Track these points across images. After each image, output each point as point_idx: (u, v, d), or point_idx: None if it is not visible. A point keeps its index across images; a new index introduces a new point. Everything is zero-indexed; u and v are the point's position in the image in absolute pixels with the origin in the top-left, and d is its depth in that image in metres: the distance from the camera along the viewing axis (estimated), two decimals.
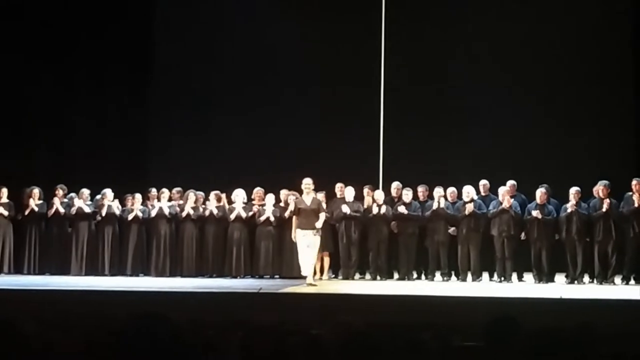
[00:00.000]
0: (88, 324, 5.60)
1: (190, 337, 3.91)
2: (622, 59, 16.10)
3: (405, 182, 14.63)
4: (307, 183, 13.25)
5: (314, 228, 12.99)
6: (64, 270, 14.55)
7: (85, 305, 9.67)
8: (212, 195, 14.72)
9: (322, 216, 13.16)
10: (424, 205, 14.28)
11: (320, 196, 13.81)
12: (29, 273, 14.52)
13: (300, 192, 13.68)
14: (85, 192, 14.88)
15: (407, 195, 14.33)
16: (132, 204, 14.84)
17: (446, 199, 14.18)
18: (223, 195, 14.77)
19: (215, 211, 14.57)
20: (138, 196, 14.89)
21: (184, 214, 14.64)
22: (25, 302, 10.42)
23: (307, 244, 13.01)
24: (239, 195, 14.62)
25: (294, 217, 13.26)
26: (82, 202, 14.75)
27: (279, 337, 3.72)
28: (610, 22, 16.21)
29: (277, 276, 14.32)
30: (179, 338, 2.85)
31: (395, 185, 14.67)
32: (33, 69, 16.26)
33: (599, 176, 13.74)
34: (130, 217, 14.74)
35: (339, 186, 14.56)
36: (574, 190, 13.56)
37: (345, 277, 14.13)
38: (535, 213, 13.57)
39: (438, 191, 14.23)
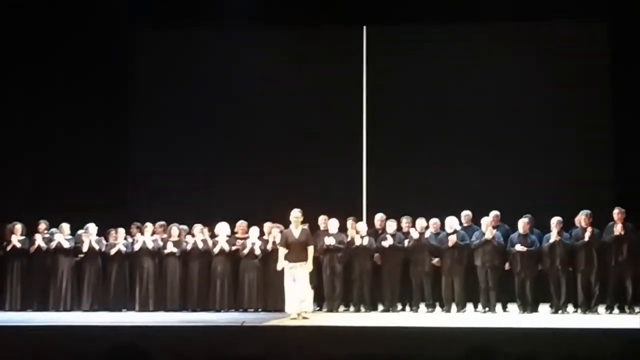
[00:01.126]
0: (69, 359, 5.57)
1: None
2: (602, 89, 16.21)
3: (389, 213, 14.66)
4: (296, 215, 13.11)
5: (302, 260, 12.92)
6: (47, 307, 14.45)
7: (67, 341, 9.59)
8: (197, 228, 14.69)
9: (311, 250, 13.12)
10: (407, 237, 14.31)
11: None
12: (10, 310, 14.41)
13: (284, 224, 13.68)
14: (66, 226, 14.81)
15: (391, 226, 14.36)
16: (115, 239, 14.79)
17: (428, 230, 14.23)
18: (205, 229, 14.75)
19: (199, 244, 14.54)
20: (121, 230, 14.85)
21: (167, 249, 14.60)
22: (6, 338, 10.32)
23: (294, 278, 12.95)
24: (222, 228, 14.60)
25: (281, 249, 13.19)
26: (62, 237, 14.69)
27: None
28: (588, 55, 16.34)
29: (261, 310, 14.27)
30: None
31: (378, 217, 14.70)
32: (11, 103, 16.28)
33: (581, 206, 13.82)
34: (112, 251, 14.68)
35: (322, 218, 14.57)
36: (555, 221, 13.62)
37: (330, 310, 14.10)
38: (519, 247, 13.62)
39: (420, 222, 14.26)
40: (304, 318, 12.71)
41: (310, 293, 13.29)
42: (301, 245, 12.98)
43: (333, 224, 14.38)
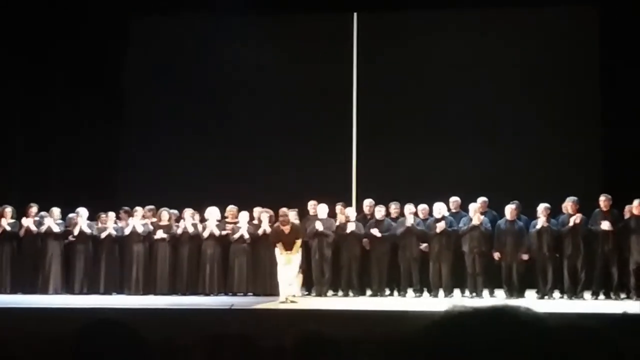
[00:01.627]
0: (57, 341, 5.62)
1: (159, 352, 3.93)
2: (592, 76, 16.29)
3: (378, 199, 14.74)
4: (283, 214, 13.50)
5: (294, 252, 13.24)
6: (37, 289, 14.50)
7: (56, 323, 9.64)
8: (188, 212, 14.76)
9: (299, 242, 13.41)
10: (396, 222, 14.40)
11: (293, 214, 13.92)
12: (1, 292, 14.47)
13: (274, 209, 13.86)
14: (56, 210, 14.86)
15: (380, 212, 14.45)
16: (105, 223, 14.85)
17: (417, 215, 14.31)
18: (196, 214, 14.83)
19: (190, 229, 14.61)
20: (111, 214, 14.91)
21: (156, 233, 14.66)
22: None
23: (285, 262, 13.18)
24: (212, 213, 14.68)
25: (278, 245, 13.41)
26: (52, 220, 14.73)
27: (246, 343, 3.78)
28: (578, 41, 16.42)
29: (250, 294, 14.37)
30: (138, 342, 2.87)
31: (367, 202, 14.79)
32: (4, 87, 16.29)
33: (568, 192, 13.92)
34: (103, 235, 14.74)
35: (311, 204, 14.65)
36: (542, 207, 13.71)
37: (318, 294, 14.20)
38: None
39: (409, 208, 14.34)
40: (292, 302, 12.83)
41: (298, 277, 13.47)
42: (291, 240, 13.31)
43: (322, 209, 14.47)
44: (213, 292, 14.40)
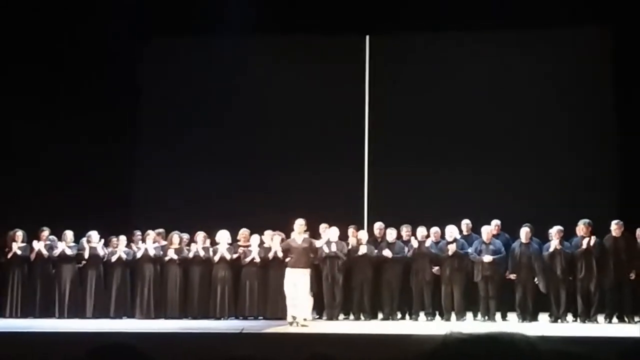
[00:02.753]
0: None
1: None
2: (605, 97, 16.22)
3: (390, 222, 14.68)
4: (300, 223, 13.49)
5: (303, 267, 13.14)
6: (47, 314, 14.48)
7: (65, 347, 9.61)
8: (200, 235, 14.74)
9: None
10: (407, 245, 14.33)
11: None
12: (11, 316, 14.44)
13: (286, 233, 13.83)
14: (69, 234, 14.87)
15: (391, 235, 14.38)
16: (117, 246, 14.84)
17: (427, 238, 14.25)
18: (207, 239, 14.81)
19: (201, 253, 14.58)
20: (122, 238, 14.90)
21: (167, 256, 14.64)
22: (6, 344, 10.36)
23: (294, 283, 13.09)
24: (223, 236, 14.65)
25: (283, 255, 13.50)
26: (64, 244, 14.74)
27: None
28: (591, 61, 16.37)
29: (261, 317, 14.30)
30: None
31: (377, 225, 14.72)
32: (16, 109, 16.36)
33: (581, 215, 13.83)
34: (114, 258, 14.73)
35: (323, 227, 14.60)
36: (555, 230, 13.63)
37: (330, 318, 14.11)
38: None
39: (421, 231, 14.28)
40: (303, 326, 12.75)
41: (309, 300, 13.38)
42: (303, 251, 13.22)
43: (334, 232, 14.40)
44: (224, 316, 14.35)
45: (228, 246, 14.62)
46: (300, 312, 13.01)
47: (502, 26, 16.20)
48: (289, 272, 13.23)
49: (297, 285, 13.08)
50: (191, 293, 14.63)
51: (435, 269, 14.06)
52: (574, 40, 16.50)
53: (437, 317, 14.14)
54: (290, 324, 12.85)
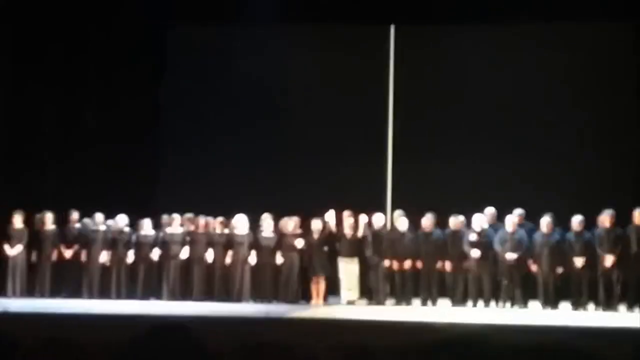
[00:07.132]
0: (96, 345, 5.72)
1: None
2: (628, 89, 16.20)
3: (414, 211, 14.86)
4: (348, 215, 14.52)
5: (352, 256, 14.32)
6: (76, 294, 14.74)
7: (90, 329, 9.78)
8: (218, 222, 15.01)
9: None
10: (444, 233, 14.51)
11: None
12: (41, 297, 14.68)
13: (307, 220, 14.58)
14: (99, 216, 15.11)
15: (428, 221, 14.56)
16: (144, 229, 15.06)
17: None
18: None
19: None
20: (149, 221, 15.13)
21: (196, 240, 14.87)
22: (34, 325, 10.48)
23: (345, 270, 14.32)
24: (241, 220, 14.83)
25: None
26: (95, 226, 14.99)
27: (283, 351, 3.90)
28: (614, 56, 16.34)
29: (289, 301, 14.45)
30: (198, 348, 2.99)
31: (397, 214, 15.02)
32: (42, 94, 16.58)
33: (603, 206, 13.91)
34: (142, 242, 14.96)
35: (346, 214, 14.75)
36: (577, 220, 13.71)
37: (377, 303, 14.35)
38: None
39: (454, 220, 14.45)
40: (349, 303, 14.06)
41: (356, 284, 14.33)
42: (351, 242, 14.34)
43: (362, 221, 14.64)
44: (251, 300, 14.57)
45: (248, 232, 14.81)
46: (349, 295, 14.19)
47: (531, 20, 16.15)
48: (340, 260, 14.31)
49: (346, 271, 14.20)
50: (214, 276, 14.83)
51: (473, 252, 14.12)
52: (597, 35, 16.41)
53: (466, 303, 14.23)
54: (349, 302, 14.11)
